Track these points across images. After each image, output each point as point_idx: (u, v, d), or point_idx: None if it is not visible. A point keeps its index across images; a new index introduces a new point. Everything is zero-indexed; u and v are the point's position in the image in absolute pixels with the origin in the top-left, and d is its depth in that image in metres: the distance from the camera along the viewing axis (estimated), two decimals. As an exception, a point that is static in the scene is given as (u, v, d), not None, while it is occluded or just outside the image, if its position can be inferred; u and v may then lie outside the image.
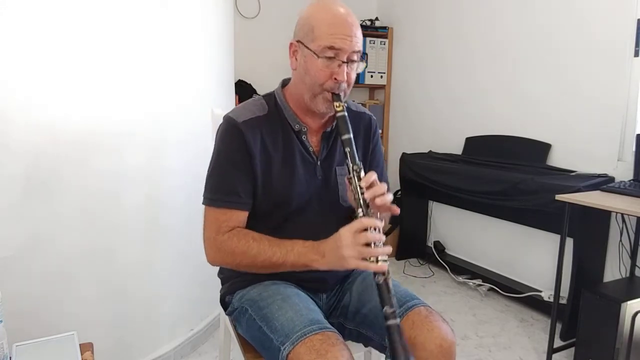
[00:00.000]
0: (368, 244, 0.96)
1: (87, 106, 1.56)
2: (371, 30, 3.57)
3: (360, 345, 1.22)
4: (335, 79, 1.05)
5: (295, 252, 1.04)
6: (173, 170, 1.88)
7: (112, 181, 1.66)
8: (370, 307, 1.13)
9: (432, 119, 3.34)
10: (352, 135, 1.05)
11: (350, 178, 1.02)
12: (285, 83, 1.20)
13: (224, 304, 1.26)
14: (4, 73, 1.37)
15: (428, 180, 2.86)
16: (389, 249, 0.97)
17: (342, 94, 1.08)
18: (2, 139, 1.38)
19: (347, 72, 1.07)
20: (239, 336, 1.21)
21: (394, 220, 3.30)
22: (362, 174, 1.02)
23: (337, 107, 1.06)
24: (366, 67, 3.53)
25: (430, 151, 3.20)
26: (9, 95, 1.38)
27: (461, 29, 3.04)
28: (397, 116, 3.70)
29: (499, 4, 2.76)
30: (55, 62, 1.47)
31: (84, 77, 1.54)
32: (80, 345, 1.07)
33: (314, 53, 1.05)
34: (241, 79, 3.19)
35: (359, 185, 1.00)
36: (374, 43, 3.57)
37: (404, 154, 3.15)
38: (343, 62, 1.05)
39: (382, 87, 3.71)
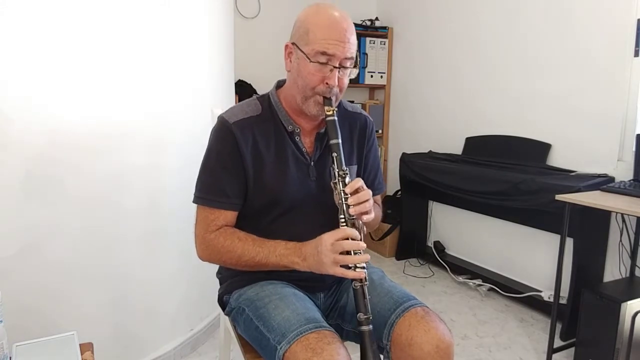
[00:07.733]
0: (347, 252, 0.99)
1: (87, 106, 1.56)
2: (371, 30, 3.56)
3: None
4: (327, 83, 1.07)
5: (278, 254, 1.07)
6: (173, 171, 1.88)
7: (112, 181, 1.66)
8: None
9: (432, 119, 3.34)
10: (340, 141, 1.07)
11: (336, 183, 1.05)
12: (279, 84, 1.21)
13: (222, 303, 1.27)
14: (4, 73, 1.37)
15: (428, 180, 2.86)
16: (366, 257, 1.00)
17: (333, 99, 1.09)
18: (1, 139, 1.38)
19: (339, 77, 1.08)
20: (238, 336, 1.21)
21: (394, 220, 3.31)
22: (348, 179, 1.04)
23: (327, 111, 1.08)
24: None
25: (430, 151, 3.20)
26: (9, 95, 1.38)
27: (461, 29, 3.04)
28: (397, 116, 3.70)
29: (498, 4, 2.76)
30: (55, 62, 1.47)
31: (84, 77, 1.54)
32: (80, 345, 1.07)
33: (307, 57, 1.05)
34: (241, 79, 3.19)
35: (343, 191, 1.03)
36: (374, 43, 3.57)
37: (404, 154, 3.15)
38: (335, 67, 1.06)
39: (382, 87, 3.71)
